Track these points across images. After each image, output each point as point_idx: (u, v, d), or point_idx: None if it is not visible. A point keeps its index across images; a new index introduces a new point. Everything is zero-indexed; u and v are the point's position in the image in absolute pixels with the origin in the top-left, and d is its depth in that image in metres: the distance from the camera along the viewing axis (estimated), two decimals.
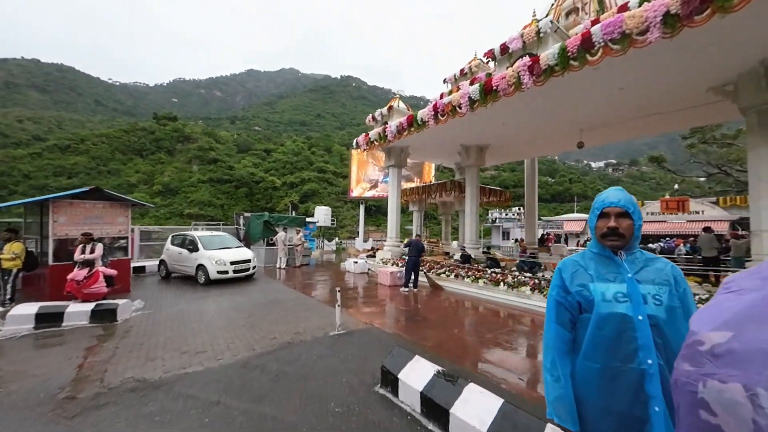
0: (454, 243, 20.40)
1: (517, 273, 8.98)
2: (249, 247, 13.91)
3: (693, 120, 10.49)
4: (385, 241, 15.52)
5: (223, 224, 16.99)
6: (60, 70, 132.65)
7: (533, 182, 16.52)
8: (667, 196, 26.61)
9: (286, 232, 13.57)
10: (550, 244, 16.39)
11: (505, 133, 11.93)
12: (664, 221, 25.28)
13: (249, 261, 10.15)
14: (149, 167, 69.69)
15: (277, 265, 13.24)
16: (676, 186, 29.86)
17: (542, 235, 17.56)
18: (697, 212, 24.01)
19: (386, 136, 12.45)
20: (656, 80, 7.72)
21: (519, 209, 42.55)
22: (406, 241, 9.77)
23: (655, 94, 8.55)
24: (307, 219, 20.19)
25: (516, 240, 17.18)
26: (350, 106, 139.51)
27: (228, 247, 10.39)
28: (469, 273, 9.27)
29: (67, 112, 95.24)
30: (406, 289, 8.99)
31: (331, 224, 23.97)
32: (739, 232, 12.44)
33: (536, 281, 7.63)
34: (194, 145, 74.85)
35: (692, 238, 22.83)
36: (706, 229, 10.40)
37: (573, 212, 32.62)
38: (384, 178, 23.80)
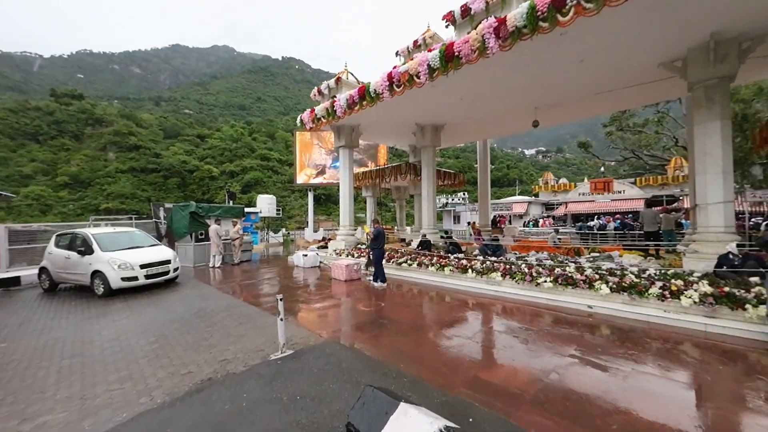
0: (408, 229, 19.71)
1: (481, 258, 8.32)
2: (173, 245, 11.56)
3: (644, 97, 10.56)
4: (337, 230, 14.14)
5: (137, 219, 14.05)
6: None
7: (486, 164, 16.26)
8: (584, 179, 28.99)
9: (219, 224, 11.45)
10: (502, 226, 16.41)
11: (462, 111, 11.17)
12: (593, 201, 27.49)
13: (168, 262, 8.10)
14: (50, 155, 58.53)
15: (210, 264, 11.14)
16: (602, 168, 32.67)
17: (494, 217, 17.57)
18: (619, 192, 26.43)
19: (335, 111, 10.91)
20: (613, 53, 7.38)
21: (464, 194, 43.82)
22: (368, 230, 8.54)
23: (611, 69, 8.29)
24: (248, 209, 17.87)
25: (468, 223, 16.92)
26: (294, 89, 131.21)
27: (138, 247, 8.17)
28: (433, 261, 8.37)
29: None
30: (383, 285, 7.78)
31: (277, 214, 21.74)
32: (669, 208, 13.34)
33: (507, 266, 6.96)
34: (109, 129, 64.50)
35: (617, 215, 25.15)
36: (649, 204, 10.82)
37: (515, 195, 34.24)
38: (333, 162, 22.10)
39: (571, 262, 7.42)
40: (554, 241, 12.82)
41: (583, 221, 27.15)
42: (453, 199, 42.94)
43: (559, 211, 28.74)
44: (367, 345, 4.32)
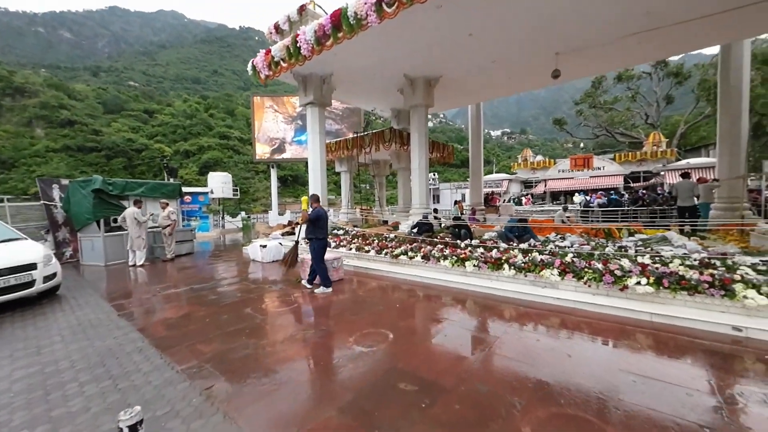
0: (390, 210, 17.15)
1: (504, 245, 5.98)
2: (75, 234, 8.16)
3: (701, 37, 7.86)
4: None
5: (22, 201, 10.14)
6: None
7: (478, 133, 13.89)
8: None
9: (140, 207, 8.13)
10: (497, 203, 14.32)
11: (466, 56, 8.54)
12: (573, 177, 26.50)
13: (31, 268, 4.92)
14: None
15: (131, 262, 7.90)
16: (582, 145, 31.82)
17: (486, 194, 15.46)
18: (599, 168, 25.58)
19: (299, 50, 7.81)
20: None
21: (433, 174, 41.77)
22: (305, 208, 5.58)
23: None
24: (196, 189, 14.34)
25: (456, 202, 14.70)
26: None
27: None
28: (446, 252, 5.87)
29: None
30: (327, 291, 5.24)
31: (234, 195, 18.18)
32: (708, 178, 11.74)
33: (563, 260, 4.64)
34: (34, 101, 54.81)
35: (601, 192, 24.17)
36: (685, 175, 9.01)
37: (491, 174, 32.65)
38: (296, 135, 18.56)
39: (621, 249, 5.26)
40: (562, 220, 10.89)
41: (564, 199, 26.11)
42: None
43: (538, 189, 27.49)
44: None
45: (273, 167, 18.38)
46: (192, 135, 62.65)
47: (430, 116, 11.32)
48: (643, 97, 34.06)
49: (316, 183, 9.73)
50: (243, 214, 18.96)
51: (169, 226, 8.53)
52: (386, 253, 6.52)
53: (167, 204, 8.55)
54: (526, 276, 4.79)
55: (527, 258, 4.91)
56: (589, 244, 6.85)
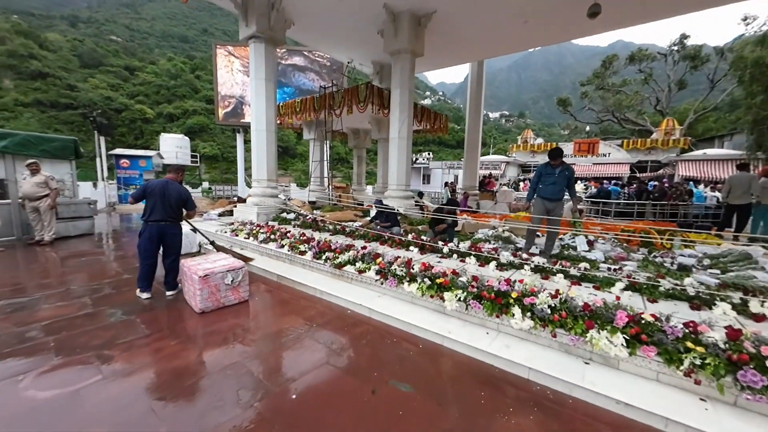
0: (369, 189, 14.68)
1: (509, 256, 3.67)
2: None
3: None
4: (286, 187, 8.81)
5: None
6: None
7: (478, 99, 11.20)
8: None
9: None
10: (493, 189, 11.93)
11: None
12: (574, 164, 23.99)
13: None
14: None
15: None
16: (587, 128, 29.07)
17: (482, 177, 13.02)
18: (604, 155, 23.17)
19: None
20: None
21: (428, 153, 38.56)
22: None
23: None
24: (140, 153, 11.59)
25: (446, 184, 12.32)
26: None
27: None
28: (415, 268, 3.49)
29: None
30: (146, 296, 3.38)
31: (193, 162, 15.36)
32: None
33: (627, 313, 2.36)
34: (1, 48, 49.39)
35: (605, 181, 21.78)
36: (742, 166, 6.67)
37: (488, 156, 29.97)
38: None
39: (683, 270, 3.03)
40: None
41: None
42: (417, 159, 36.85)
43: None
44: None
45: (239, 132, 15.40)
46: (176, 97, 58.15)
47: (426, 92, 8.90)
48: (655, 81, 31.13)
49: (260, 149, 7.15)
50: (205, 184, 16.23)
51: (44, 197, 5.96)
52: (326, 260, 4.13)
53: (38, 166, 5.91)
54: (554, 336, 2.47)
55: (557, 299, 2.57)
56: (630, 257, 4.59)
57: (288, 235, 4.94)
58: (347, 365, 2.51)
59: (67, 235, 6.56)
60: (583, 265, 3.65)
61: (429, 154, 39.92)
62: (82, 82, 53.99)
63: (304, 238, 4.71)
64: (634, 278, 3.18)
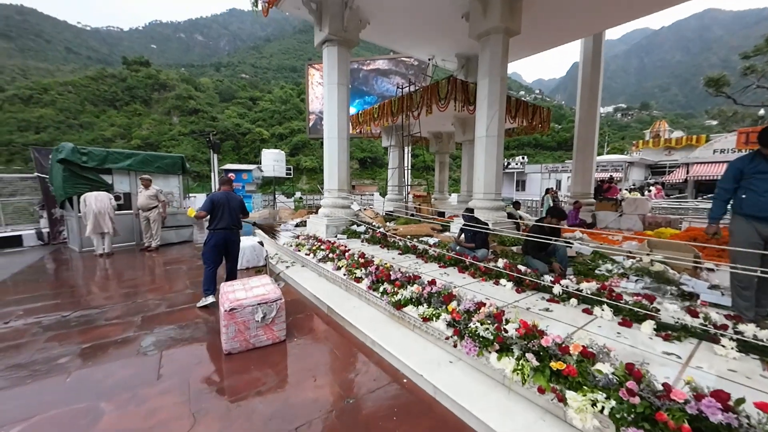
0: (453, 198, 13.27)
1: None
2: (60, 209, 6.95)
3: None
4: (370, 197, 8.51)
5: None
6: (20, 12, 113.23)
7: (594, 86, 8.74)
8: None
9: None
10: (616, 197, 9.12)
11: None
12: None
13: None
14: (125, 119, 61.20)
15: (97, 251, 6.30)
16: (761, 112, 21.25)
17: (599, 182, 10.22)
18: None
19: None
20: None
21: (522, 158, 33.93)
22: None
23: None
24: (240, 166, 12.91)
25: (547, 191, 10.04)
26: None
27: None
28: (511, 329, 2.21)
29: (35, 60, 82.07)
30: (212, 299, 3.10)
31: (288, 174, 16.63)
32: None
33: None
34: (171, 93, 65.25)
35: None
36: None
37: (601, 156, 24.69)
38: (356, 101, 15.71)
39: None
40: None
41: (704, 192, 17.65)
42: (509, 163, 31.56)
43: (676, 176, 19.24)
44: None
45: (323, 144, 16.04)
46: (285, 119, 66.96)
47: (521, 92, 7.26)
48: None
49: (331, 157, 6.71)
50: (298, 194, 17.38)
51: (153, 209, 6.68)
52: (383, 293, 3.13)
53: (149, 181, 6.66)
54: None
55: None
56: None
57: (346, 255, 4.15)
58: None
59: (170, 242, 7.29)
60: None
61: (523, 157, 35.33)
62: (221, 113, 66.90)
63: (363, 260, 3.84)
64: None
